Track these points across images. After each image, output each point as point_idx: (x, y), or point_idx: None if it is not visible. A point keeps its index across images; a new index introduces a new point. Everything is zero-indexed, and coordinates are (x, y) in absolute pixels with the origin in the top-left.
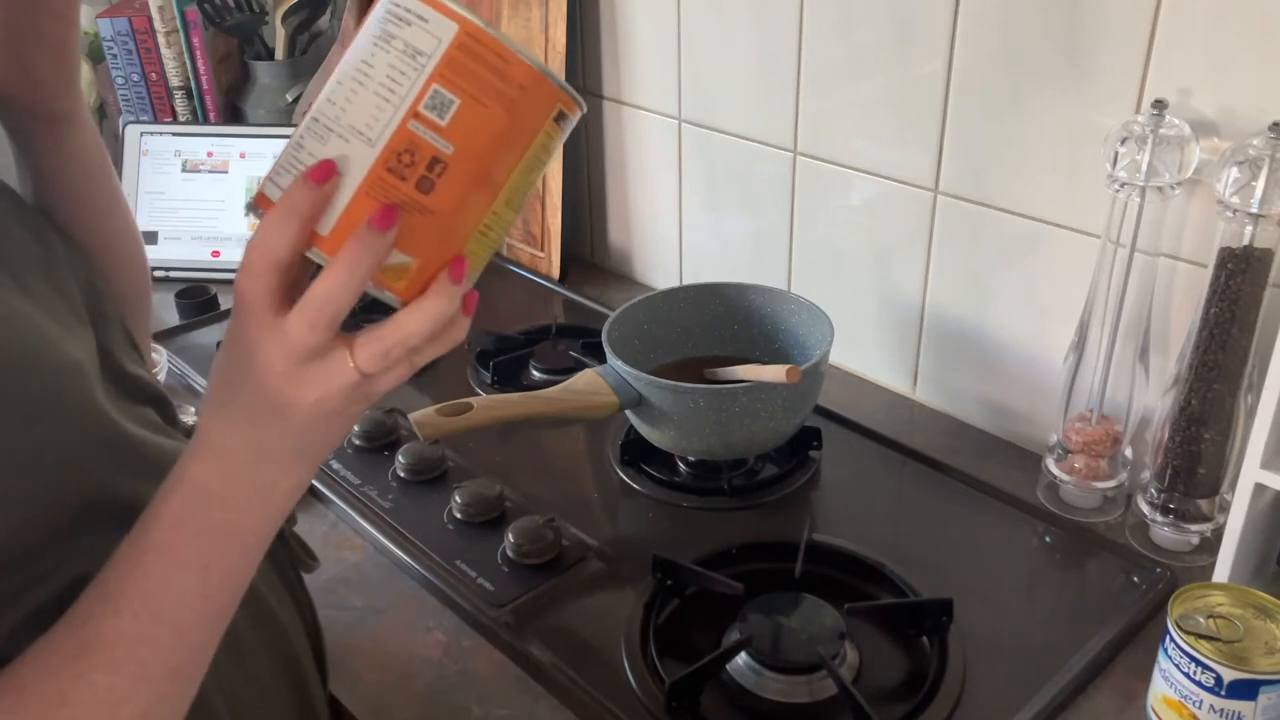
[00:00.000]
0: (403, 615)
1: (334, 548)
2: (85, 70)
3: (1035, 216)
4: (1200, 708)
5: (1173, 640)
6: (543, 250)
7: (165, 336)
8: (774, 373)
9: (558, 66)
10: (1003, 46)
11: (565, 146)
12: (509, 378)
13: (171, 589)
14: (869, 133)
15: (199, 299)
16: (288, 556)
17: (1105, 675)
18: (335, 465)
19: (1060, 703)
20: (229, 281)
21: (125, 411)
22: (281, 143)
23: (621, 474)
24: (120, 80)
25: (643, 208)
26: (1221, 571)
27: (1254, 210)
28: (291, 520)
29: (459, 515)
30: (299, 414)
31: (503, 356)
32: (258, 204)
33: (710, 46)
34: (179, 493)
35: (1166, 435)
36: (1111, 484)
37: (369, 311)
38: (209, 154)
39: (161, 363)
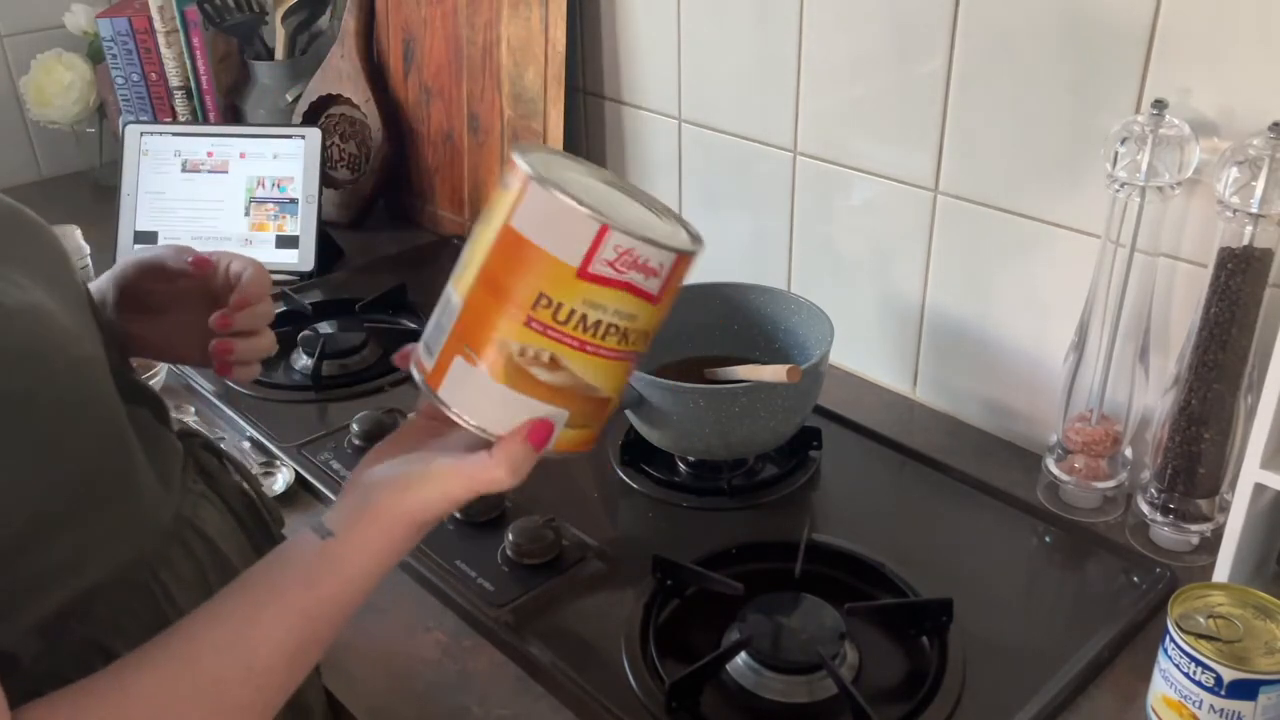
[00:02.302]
0: (403, 615)
1: None
2: (85, 70)
3: (1035, 216)
4: (1200, 708)
5: (1173, 640)
6: None
7: None
8: (774, 373)
9: (558, 67)
10: (1003, 46)
11: (566, 147)
12: None
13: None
14: (869, 133)
15: None
16: None
17: (1105, 675)
18: (336, 465)
19: (1060, 703)
20: None
21: (127, 410)
22: (281, 142)
23: (621, 474)
24: (120, 80)
25: None
26: (1221, 571)
27: (1254, 210)
28: (280, 522)
29: (459, 515)
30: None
31: None
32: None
33: (710, 46)
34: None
35: (1166, 435)
36: (1111, 484)
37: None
38: (209, 154)
39: (161, 364)
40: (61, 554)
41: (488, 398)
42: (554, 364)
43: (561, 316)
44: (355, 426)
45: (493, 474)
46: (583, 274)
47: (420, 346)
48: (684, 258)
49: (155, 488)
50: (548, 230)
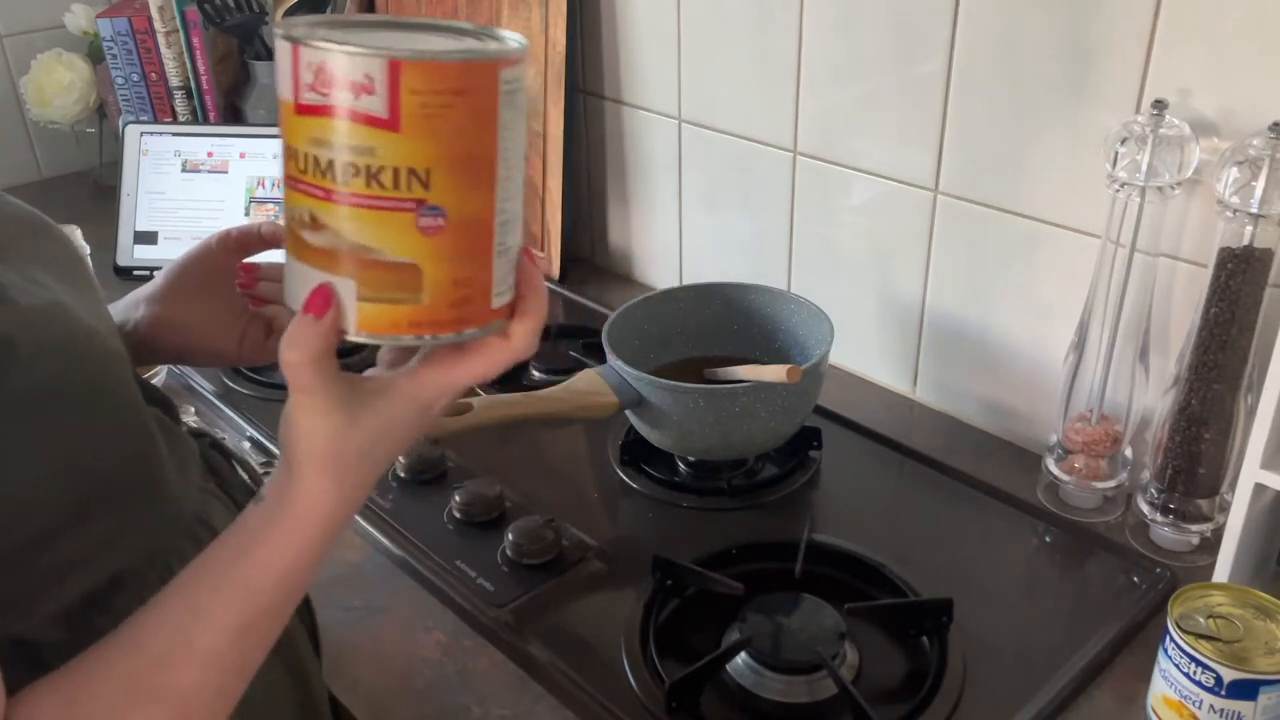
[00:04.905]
0: (403, 615)
1: (334, 548)
2: (85, 70)
3: (1035, 216)
4: (1200, 708)
5: (1173, 640)
6: (543, 250)
7: None
8: (774, 373)
9: (558, 67)
10: (1003, 46)
11: (565, 147)
12: (509, 378)
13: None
14: (869, 133)
15: None
16: None
17: (1105, 675)
18: None
19: (1060, 703)
20: None
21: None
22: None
23: (621, 474)
24: (120, 80)
25: (643, 208)
26: (1221, 571)
27: (1254, 210)
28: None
29: (459, 515)
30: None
31: None
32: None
33: (710, 46)
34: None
35: (1166, 435)
36: (1111, 484)
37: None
38: (209, 154)
39: (160, 366)
40: (88, 543)
41: (287, 274)
42: (315, 223)
43: (301, 165)
44: None
45: (281, 355)
46: (299, 109)
47: None
48: (401, 65)
49: (176, 481)
50: (278, 73)
